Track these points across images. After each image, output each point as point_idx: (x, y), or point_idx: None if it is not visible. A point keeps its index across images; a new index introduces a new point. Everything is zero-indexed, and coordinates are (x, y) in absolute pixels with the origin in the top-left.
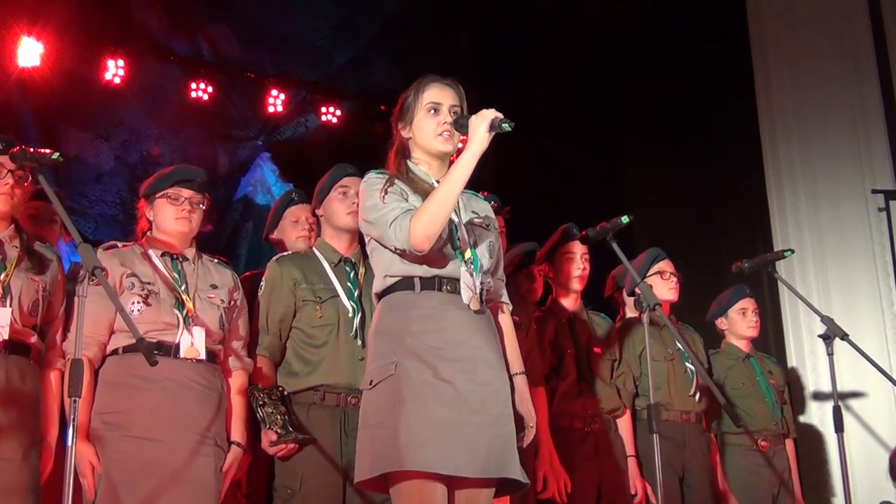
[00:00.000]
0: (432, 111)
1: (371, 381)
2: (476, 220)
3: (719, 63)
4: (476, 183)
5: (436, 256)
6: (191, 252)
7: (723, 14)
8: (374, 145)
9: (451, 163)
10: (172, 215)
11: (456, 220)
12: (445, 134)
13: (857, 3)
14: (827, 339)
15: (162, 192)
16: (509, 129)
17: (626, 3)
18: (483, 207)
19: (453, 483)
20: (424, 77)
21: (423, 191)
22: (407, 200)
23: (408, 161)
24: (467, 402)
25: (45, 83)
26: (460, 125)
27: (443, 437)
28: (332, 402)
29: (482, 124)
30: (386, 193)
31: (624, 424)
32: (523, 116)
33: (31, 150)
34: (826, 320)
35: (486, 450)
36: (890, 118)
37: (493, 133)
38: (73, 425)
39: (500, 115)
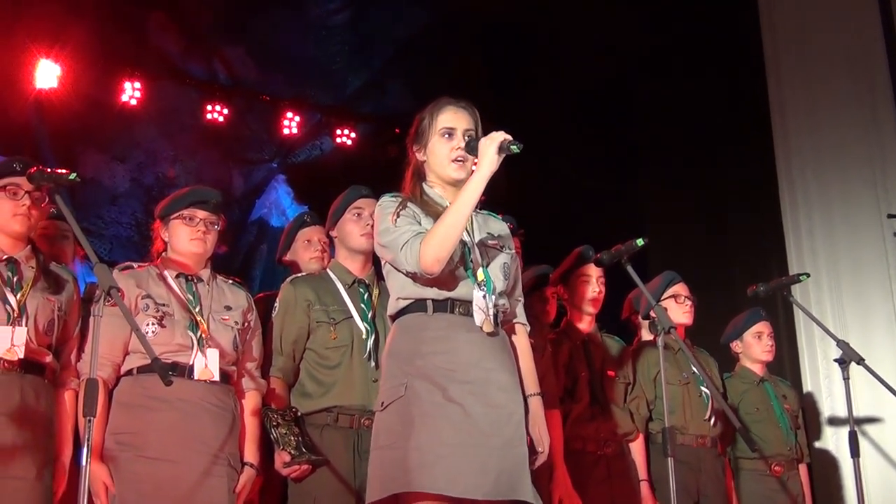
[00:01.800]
0: (446, 136)
1: (382, 402)
2: (490, 241)
3: (733, 87)
4: (488, 204)
5: (448, 278)
6: (205, 273)
7: (737, 38)
8: (388, 168)
9: None
10: (187, 236)
11: (469, 241)
12: (458, 161)
13: (872, 27)
14: (843, 363)
15: (177, 213)
16: (518, 150)
17: (639, 26)
18: (499, 228)
19: (465, 503)
20: (440, 100)
21: (436, 213)
22: (420, 223)
23: (423, 184)
24: (477, 425)
25: (62, 105)
26: (471, 148)
27: (452, 459)
28: (345, 423)
29: (491, 147)
30: (398, 217)
31: (637, 448)
32: (536, 139)
33: (49, 170)
34: (842, 344)
35: (497, 471)
36: None
37: (503, 155)
38: (88, 445)
39: (509, 137)
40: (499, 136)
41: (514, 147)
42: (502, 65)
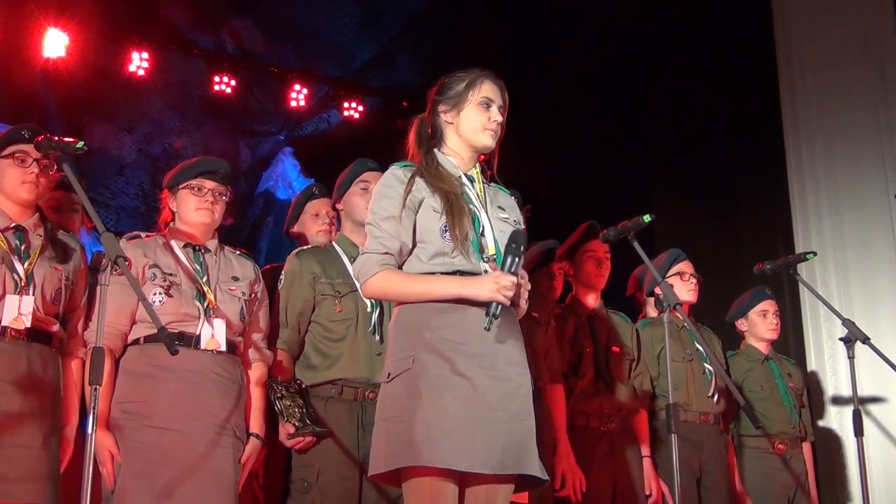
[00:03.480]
0: (485, 105)
1: (389, 374)
2: (500, 214)
3: (744, 66)
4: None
5: (458, 252)
6: (213, 244)
7: (748, 18)
8: (395, 141)
9: (479, 161)
10: (195, 206)
11: (479, 214)
12: (492, 131)
13: (884, 9)
14: (848, 342)
15: (185, 183)
16: (486, 326)
17: (651, 4)
18: (509, 204)
19: (470, 479)
20: (482, 70)
21: (446, 190)
22: (417, 211)
23: (437, 151)
24: (485, 398)
25: (69, 74)
26: (513, 250)
27: (458, 433)
28: (349, 395)
29: (487, 291)
30: (391, 218)
31: (640, 425)
32: (545, 114)
33: (56, 138)
34: (847, 323)
35: (503, 446)
36: None
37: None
38: (94, 414)
39: (502, 304)
40: (500, 294)
41: (489, 319)
42: (513, 39)
